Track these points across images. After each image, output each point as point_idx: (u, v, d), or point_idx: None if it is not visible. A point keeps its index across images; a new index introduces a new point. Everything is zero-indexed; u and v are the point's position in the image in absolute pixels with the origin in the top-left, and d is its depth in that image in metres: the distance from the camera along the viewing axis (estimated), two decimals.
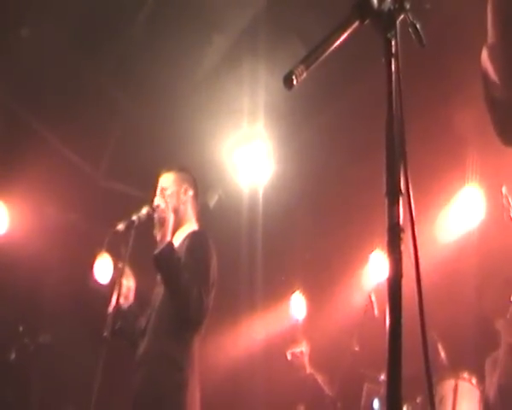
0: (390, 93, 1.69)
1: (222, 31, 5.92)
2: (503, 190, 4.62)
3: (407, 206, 1.57)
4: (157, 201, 4.18)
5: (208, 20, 5.83)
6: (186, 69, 6.25)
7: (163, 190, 4.22)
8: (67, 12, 5.75)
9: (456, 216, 6.37)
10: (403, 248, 1.52)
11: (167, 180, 4.28)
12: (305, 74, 1.68)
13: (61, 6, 5.68)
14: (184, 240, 4.00)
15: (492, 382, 5.20)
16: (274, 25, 5.71)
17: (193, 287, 3.71)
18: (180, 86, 6.36)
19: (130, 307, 4.15)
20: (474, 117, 5.73)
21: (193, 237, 4.00)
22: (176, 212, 4.11)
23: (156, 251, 3.80)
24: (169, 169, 4.35)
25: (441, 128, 5.93)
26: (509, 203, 4.59)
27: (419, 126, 5.56)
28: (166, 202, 4.10)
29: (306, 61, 1.70)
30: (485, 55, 2.24)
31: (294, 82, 1.66)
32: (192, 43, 5.97)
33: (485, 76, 2.26)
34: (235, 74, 6.21)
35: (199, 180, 4.52)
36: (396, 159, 1.60)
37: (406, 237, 1.56)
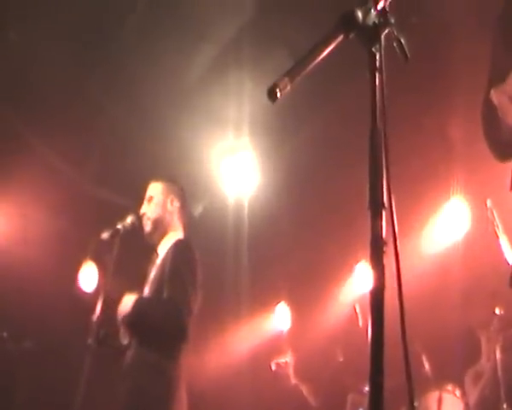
0: (374, 106, 1.70)
1: (209, 39, 5.93)
2: (488, 202, 4.64)
3: (389, 219, 1.58)
4: (144, 209, 4.19)
5: (195, 30, 5.83)
6: (172, 79, 6.24)
7: (150, 198, 4.23)
8: (56, 16, 5.72)
9: (442, 228, 6.41)
10: (385, 260, 1.53)
11: (155, 189, 4.29)
12: (289, 87, 1.68)
13: (49, 9, 5.66)
14: (169, 249, 4.00)
15: (473, 393, 5.23)
16: (260, 35, 5.72)
17: (174, 299, 3.72)
18: (166, 95, 6.35)
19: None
20: (459, 130, 5.78)
21: (177, 246, 4.00)
22: (161, 221, 4.13)
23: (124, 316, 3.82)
24: (157, 179, 4.36)
25: (429, 139, 5.97)
26: (493, 216, 4.62)
27: (404, 139, 5.61)
28: (153, 211, 4.13)
29: (291, 73, 1.71)
30: (495, 96, 2.28)
31: (278, 95, 1.67)
32: (178, 52, 5.96)
33: (489, 112, 2.30)
34: (222, 84, 6.21)
35: (184, 190, 4.52)
36: (379, 172, 1.61)
37: (389, 250, 1.57)
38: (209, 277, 4.16)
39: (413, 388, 1.51)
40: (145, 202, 4.23)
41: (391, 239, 1.58)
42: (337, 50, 1.79)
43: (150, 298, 3.92)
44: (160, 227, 4.12)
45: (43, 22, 5.79)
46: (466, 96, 4.91)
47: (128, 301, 3.81)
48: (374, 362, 1.43)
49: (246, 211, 7.13)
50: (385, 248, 1.54)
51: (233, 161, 6.66)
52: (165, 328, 3.76)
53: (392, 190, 1.63)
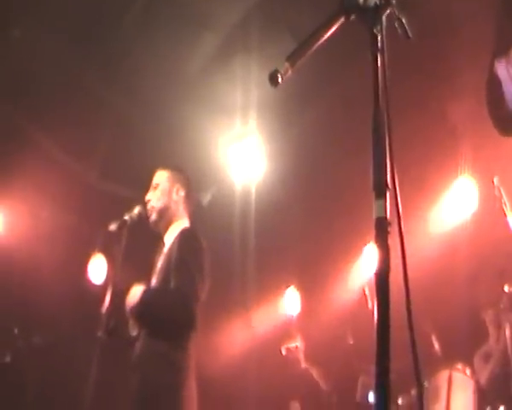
0: (376, 87, 1.70)
1: (213, 27, 5.91)
2: (495, 180, 4.63)
3: (394, 199, 1.58)
4: (149, 196, 4.19)
5: (200, 17, 5.81)
6: (178, 67, 6.24)
7: (156, 186, 4.22)
8: (58, 12, 5.72)
9: (450, 207, 6.39)
10: (391, 241, 1.53)
11: (161, 177, 4.28)
12: (290, 71, 1.68)
13: (50, 6, 5.66)
14: (176, 238, 4.00)
15: (484, 373, 5.23)
16: (266, 21, 5.71)
17: (181, 288, 3.72)
18: (172, 84, 6.34)
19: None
20: (466, 109, 5.76)
21: (183, 234, 4.00)
22: (167, 209, 4.13)
23: (132, 307, 3.82)
24: (164, 167, 4.35)
25: (434, 120, 5.95)
26: (500, 194, 4.60)
27: (412, 119, 5.59)
28: (158, 198, 4.13)
29: (292, 58, 1.70)
30: (499, 68, 2.29)
31: (280, 79, 1.67)
32: (183, 40, 5.95)
33: (493, 87, 2.32)
34: (227, 71, 6.21)
35: (192, 178, 4.51)
36: (382, 153, 1.60)
37: (394, 230, 1.57)
38: (217, 264, 4.16)
39: (420, 369, 1.51)
40: (151, 189, 4.22)
41: (395, 220, 1.58)
42: (341, 33, 1.78)
43: (157, 288, 3.92)
44: (166, 216, 4.12)
45: (45, 17, 5.80)
46: (471, 76, 4.90)
47: (136, 292, 3.81)
48: (380, 343, 1.43)
49: (253, 197, 7.13)
50: (389, 229, 1.54)
51: (240, 148, 6.65)
52: (172, 317, 3.76)
53: (398, 172, 1.62)
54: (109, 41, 6.09)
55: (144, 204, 4.15)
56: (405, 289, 1.52)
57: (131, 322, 3.93)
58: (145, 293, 3.81)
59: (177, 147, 6.49)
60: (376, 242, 1.53)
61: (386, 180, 1.58)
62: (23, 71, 6.13)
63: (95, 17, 5.82)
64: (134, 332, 3.93)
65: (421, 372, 1.51)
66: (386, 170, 1.59)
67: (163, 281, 3.86)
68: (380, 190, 1.57)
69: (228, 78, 6.25)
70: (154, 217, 4.12)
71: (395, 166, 1.62)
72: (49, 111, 6.47)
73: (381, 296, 1.47)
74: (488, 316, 5.35)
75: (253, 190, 7.09)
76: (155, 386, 3.68)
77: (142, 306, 3.77)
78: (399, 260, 1.57)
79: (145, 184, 4.29)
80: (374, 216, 1.55)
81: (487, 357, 5.29)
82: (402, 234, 1.58)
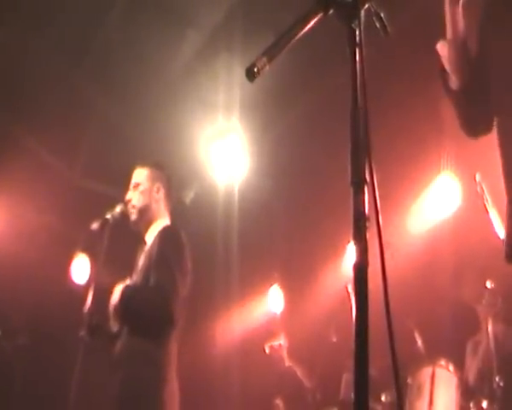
0: (354, 83, 1.69)
1: (196, 26, 5.91)
2: (477, 177, 4.64)
3: (371, 195, 1.57)
4: (129, 195, 4.16)
5: (183, 15, 5.81)
6: (161, 64, 6.24)
7: (136, 185, 4.19)
8: (41, 13, 5.70)
9: (432, 204, 6.41)
10: (368, 236, 1.53)
11: (141, 176, 4.24)
12: (267, 66, 1.67)
13: (34, 7, 5.64)
14: (156, 236, 3.99)
15: (472, 365, 5.26)
16: (248, 19, 5.70)
17: (160, 285, 3.71)
18: (155, 82, 6.34)
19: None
20: (448, 105, 5.77)
21: (164, 232, 3.99)
22: (148, 208, 4.11)
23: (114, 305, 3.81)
24: (143, 164, 4.32)
25: (416, 118, 5.96)
26: (482, 190, 4.61)
27: (394, 117, 5.60)
28: (139, 198, 4.11)
29: (269, 52, 1.69)
30: (441, 49, 2.31)
31: (257, 74, 1.66)
32: (167, 38, 5.95)
33: (441, 69, 2.33)
34: (210, 69, 6.20)
35: (174, 176, 4.50)
36: (360, 148, 1.60)
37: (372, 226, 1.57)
38: (200, 262, 4.16)
39: (398, 366, 1.50)
40: (131, 188, 4.19)
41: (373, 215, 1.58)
42: (321, 29, 1.77)
43: (136, 285, 3.91)
44: (146, 215, 4.10)
45: (28, 19, 5.78)
46: None
47: (118, 291, 3.81)
48: (358, 338, 1.42)
49: (236, 195, 7.13)
50: (368, 224, 1.53)
51: (223, 146, 6.64)
52: (152, 313, 3.75)
53: (379, 168, 1.62)
54: (92, 40, 6.07)
55: (125, 202, 4.13)
56: (383, 285, 1.51)
57: (112, 319, 3.91)
58: (125, 290, 3.81)
59: (160, 145, 6.48)
60: (354, 237, 1.53)
61: (364, 175, 1.57)
62: (6, 71, 6.10)
63: (77, 17, 5.80)
64: (115, 328, 3.92)
65: (399, 368, 1.51)
66: (363, 165, 1.58)
67: (144, 279, 3.85)
68: (357, 185, 1.57)
69: (211, 76, 6.25)
70: (134, 217, 4.10)
71: (375, 161, 1.62)
72: (31, 110, 6.45)
73: (359, 291, 1.47)
74: (480, 310, 5.36)
75: (236, 188, 7.09)
76: (137, 384, 3.67)
77: (121, 302, 3.77)
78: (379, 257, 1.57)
79: (127, 183, 4.27)
80: (352, 211, 1.55)
81: (477, 348, 5.32)
82: (380, 229, 1.57)
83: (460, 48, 2.29)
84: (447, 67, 2.36)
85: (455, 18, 2.25)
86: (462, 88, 2.36)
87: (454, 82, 2.37)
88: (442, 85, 2.37)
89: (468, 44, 2.31)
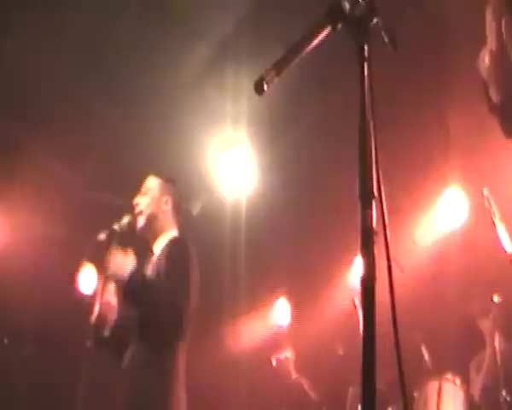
0: (363, 97, 1.69)
1: (205, 38, 5.93)
2: (484, 191, 4.63)
3: (379, 208, 1.58)
4: (138, 199, 4.17)
5: (191, 27, 5.83)
6: (169, 76, 6.25)
7: (146, 191, 4.21)
8: (51, 22, 5.73)
9: (439, 218, 6.40)
10: (376, 250, 1.53)
11: (152, 184, 4.26)
12: (276, 80, 1.68)
13: (44, 16, 5.67)
14: (165, 247, 3.99)
15: (477, 380, 5.24)
16: (257, 32, 5.72)
17: (169, 297, 3.69)
18: (163, 93, 6.35)
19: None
20: (456, 119, 5.77)
21: (172, 243, 3.99)
22: (154, 217, 4.11)
23: (127, 286, 3.78)
24: (157, 174, 4.33)
25: (424, 131, 5.96)
26: (490, 204, 4.60)
27: (402, 130, 5.60)
28: (147, 203, 4.12)
29: (278, 66, 1.70)
30: (483, 61, 2.31)
31: (265, 88, 1.66)
32: (175, 49, 5.97)
33: (484, 82, 2.34)
34: (218, 81, 6.22)
35: (182, 187, 4.51)
36: (368, 162, 1.60)
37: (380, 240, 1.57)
38: (207, 275, 4.15)
39: (405, 380, 1.50)
40: (140, 193, 4.21)
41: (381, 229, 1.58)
42: (333, 43, 1.78)
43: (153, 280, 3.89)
44: (153, 224, 4.09)
45: (37, 28, 5.79)
46: (464, 86, 4.90)
47: (129, 264, 3.77)
48: (365, 351, 1.42)
49: (244, 207, 7.13)
50: (376, 238, 1.54)
51: (230, 157, 6.64)
52: (162, 317, 3.71)
53: (387, 181, 1.62)
54: (101, 51, 6.09)
55: (134, 213, 4.13)
56: (391, 298, 1.52)
57: (122, 302, 3.89)
58: (143, 276, 3.81)
59: (168, 156, 6.48)
60: (362, 250, 1.53)
61: (372, 189, 1.58)
62: (14, 81, 6.13)
63: (87, 27, 5.82)
64: (107, 333, 3.91)
65: (405, 382, 1.51)
66: (372, 179, 1.59)
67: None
68: (365, 199, 1.57)
69: (219, 88, 6.26)
70: (141, 222, 4.08)
71: (382, 175, 1.62)
72: (39, 120, 6.47)
73: (366, 305, 1.48)
74: (483, 325, 5.34)
75: (244, 200, 7.08)
76: (144, 395, 3.66)
77: (137, 285, 3.73)
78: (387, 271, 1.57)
79: (135, 193, 4.28)
80: (359, 225, 1.55)
81: (481, 365, 5.30)
82: (387, 243, 1.58)
83: (502, 60, 2.30)
84: (487, 78, 2.37)
85: (499, 31, 2.25)
86: (503, 101, 2.36)
87: (494, 94, 2.37)
88: (484, 97, 2.38)
89: (510, 57, 2.32)
